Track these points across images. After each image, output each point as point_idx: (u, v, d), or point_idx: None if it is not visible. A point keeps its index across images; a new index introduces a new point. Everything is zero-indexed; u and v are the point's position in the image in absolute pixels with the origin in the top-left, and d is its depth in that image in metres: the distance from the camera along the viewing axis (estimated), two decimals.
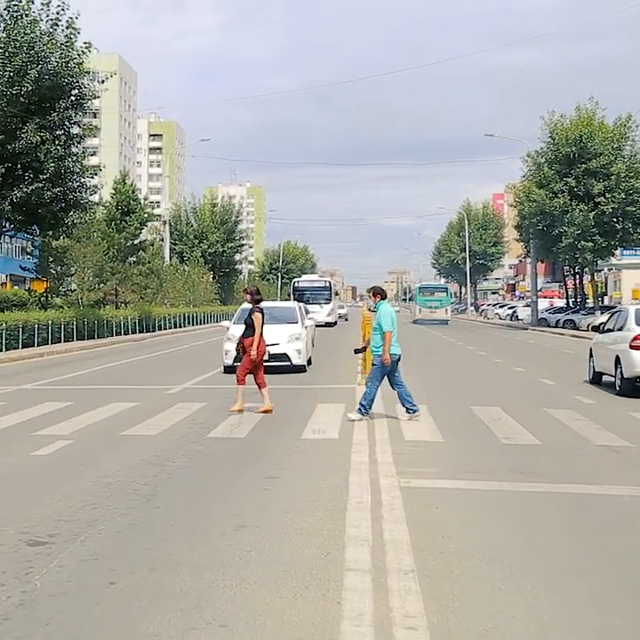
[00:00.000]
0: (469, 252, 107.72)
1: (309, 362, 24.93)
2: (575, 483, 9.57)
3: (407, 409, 14.25)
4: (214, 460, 10.93)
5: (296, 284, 73.16)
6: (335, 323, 68.13)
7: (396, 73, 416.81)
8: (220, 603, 5.66)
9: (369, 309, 16.66)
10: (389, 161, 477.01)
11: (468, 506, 8.53)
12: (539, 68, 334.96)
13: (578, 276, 70.16)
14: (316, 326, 46.17)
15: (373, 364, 14.58)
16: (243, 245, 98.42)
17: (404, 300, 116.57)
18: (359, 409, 14.11)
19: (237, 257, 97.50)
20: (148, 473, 9.93)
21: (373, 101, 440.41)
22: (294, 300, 52.75)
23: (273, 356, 21.21)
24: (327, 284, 71.79)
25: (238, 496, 8.82)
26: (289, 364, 22.84)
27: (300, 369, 23.07)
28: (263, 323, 15.39)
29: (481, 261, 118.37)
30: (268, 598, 5.74)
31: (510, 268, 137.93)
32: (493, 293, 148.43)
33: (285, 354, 22.78)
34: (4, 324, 31.50)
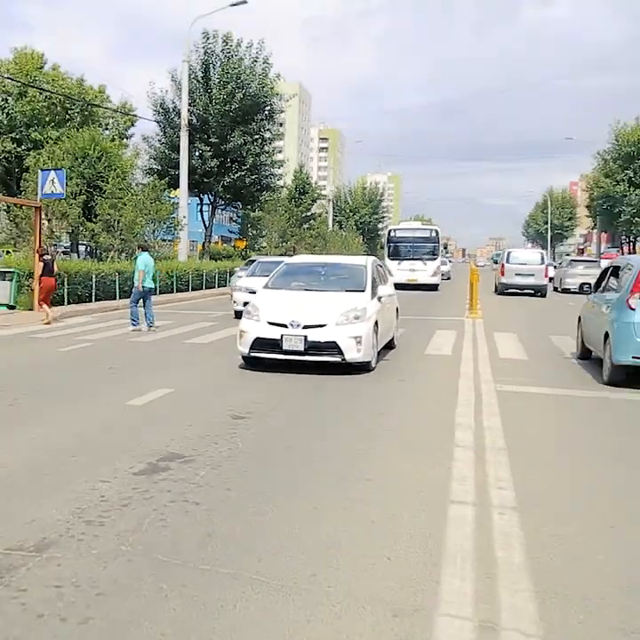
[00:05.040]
0: (550, 224, 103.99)
1: (391, 344, 12.47)
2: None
3: (133, 322, 14.91)
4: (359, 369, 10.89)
5: (392, 233, 37.34)
6: (437, 286, 34.57)
7: (503, 92, 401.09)
8: (365, 463, 5.68)
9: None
10: (492, 157, 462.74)
11: (547, 405, 8.27)
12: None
13: (632, 244, 67.63)
14: (417, 288, 32.00)
15: (132, 291, 15.50)
16: (384, 217, 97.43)
17: (495, 262, 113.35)
18: (131, 322, 14.91)
19: (380, 226, 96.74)
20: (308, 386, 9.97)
21: (486, 114, 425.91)
22: (389, 255, 35.48)
23: (312, 346, 9.67)
24: (433, 234, 37.08)
25: (377, 392, 8.80)
26: (339, 359, 9.70)
27: (363, 367, 9.99)
28: None
29: (559, 231, 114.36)
30: (398, 464, 5.72)
31: (580, 236, 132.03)
32: (567, 255, 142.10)
33: (334, 343, 9.66)
34: (216, 270, 32.50)
